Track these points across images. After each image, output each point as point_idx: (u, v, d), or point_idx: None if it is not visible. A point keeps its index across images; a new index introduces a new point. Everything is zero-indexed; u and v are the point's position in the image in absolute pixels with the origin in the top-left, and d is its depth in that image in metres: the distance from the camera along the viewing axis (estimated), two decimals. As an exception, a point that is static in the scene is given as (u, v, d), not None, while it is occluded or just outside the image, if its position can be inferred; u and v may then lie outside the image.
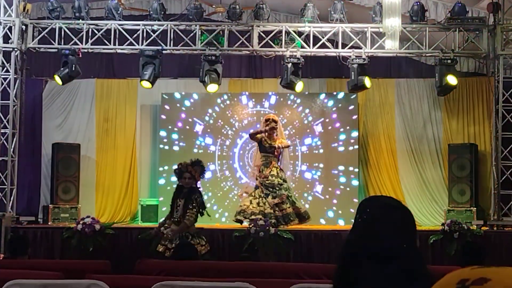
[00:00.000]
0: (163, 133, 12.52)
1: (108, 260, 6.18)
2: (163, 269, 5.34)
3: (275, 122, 11.00)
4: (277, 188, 10.70)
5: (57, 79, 11.12)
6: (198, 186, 8.65)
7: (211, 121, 12.50)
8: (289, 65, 10.96)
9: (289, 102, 12.47)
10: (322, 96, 12.54)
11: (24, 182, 12.19)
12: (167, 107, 12.56)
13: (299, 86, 11.06)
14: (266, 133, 10.87)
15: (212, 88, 11.08)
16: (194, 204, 8.22)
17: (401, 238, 2.21)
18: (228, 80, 12.51)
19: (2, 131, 11.01)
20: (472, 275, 1.07)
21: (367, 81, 10.90)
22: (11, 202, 11.13)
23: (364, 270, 2.14)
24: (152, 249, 8.54)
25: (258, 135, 10.94)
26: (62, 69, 11.06)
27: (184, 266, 5.48)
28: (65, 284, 3.92)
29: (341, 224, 11.74)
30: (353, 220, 2.36)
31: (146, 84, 11.08)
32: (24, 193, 12.35)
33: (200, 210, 8.29)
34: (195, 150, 12.30)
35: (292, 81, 10.96)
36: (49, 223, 11.34)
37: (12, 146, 11.24)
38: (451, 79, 10.73)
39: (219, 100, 12.54)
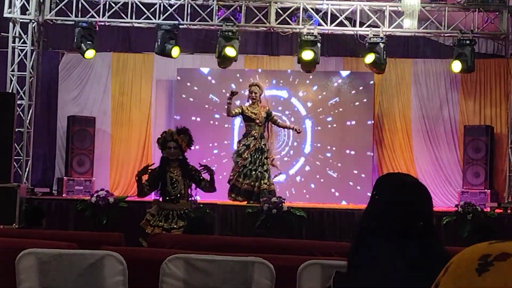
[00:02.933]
0: (178, 108, 12.51)
1: (121, 233, 6.21)
2: (176, 243, 5.36)
3: (258, 87, 10.74)
4: (256, 166, 10.50)
5: (90, 52, 11.08)
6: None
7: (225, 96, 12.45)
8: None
9: (304, 79, 12.40)
10: (338, 74, 12.47)
11: (39, 154, 12.26)
12: (182, 82, 12.54)
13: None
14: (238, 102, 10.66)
15: (226, 64, 11.04)
16: (200, 172, 7.41)
17: (417, 215, 2.21)
18: (244, 56, 12.46)
19: (18, 102, 11.06)
20: (493, 250, 1.06)
21: (368, 58, 10.80)
22: (26, 173, 11.22)
23: (380, 247, 2.13)
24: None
25: (232, 111, 10.56)
26: (83, 40, 11.03)
27: (197, 240, 5.49)
28: (80, 254, 3.94)
29: (354, 203, 11.73)
30: (369, 197, 2.36)
31: (175, 52, 10.98)
32: (39, 164, 12.43)
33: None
34: (211, 126, 12.30)
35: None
36: (63, 195, 11.42)
37: (28, 118, 11.29)
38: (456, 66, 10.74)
39: (235, 76, 12.50)
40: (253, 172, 10.52)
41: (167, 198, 7.37)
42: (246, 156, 10.53)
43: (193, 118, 12.39)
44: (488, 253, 1.06)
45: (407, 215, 2.18)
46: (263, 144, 10.66)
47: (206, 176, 7.47)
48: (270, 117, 10.77)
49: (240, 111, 10.66)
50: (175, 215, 7.36)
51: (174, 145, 7.32)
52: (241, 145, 10.68)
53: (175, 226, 7.32)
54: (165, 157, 7.41)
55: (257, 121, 10.57)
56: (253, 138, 10.58)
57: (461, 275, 1.06)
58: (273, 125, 10.94)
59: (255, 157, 10.56)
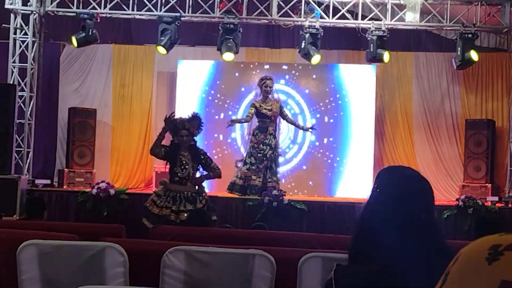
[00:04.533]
0: (179, 101, 12.50)
1: (122, 225, 6.22)
2: (177, 235, 5.37)
3: (272, 80, 10.60)
4: (264, 159, 10.42)
5: (74, 40, 11.08)
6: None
7: (228, 90, 12.45)
8: (307, 35, 10.85)
9: (305, 72, 12.38)
10: (340, 67, 12.45)
11: (40, 146, 12.26)
12: (183, 74, 12.53)
13: (316, 58, 10.92)
14: (261, 96, 10.46)
15: (228, 56, 11.01)
16: (208, 156, 7.79)
17: (419, 208, 2.20)
18: (245, 49, 12.43)
19: (19, 94, 11.05)
20: (503, 240, 1.06)
21: (386, 56, 10.78)
22: (27, 164, 11.22)
23: (381, 240, 2.13)
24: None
25: (249, 114, 10.42)
26: (80, 32, 11.04)
27: (198, 232, 5.50)
28: (81, 246, 3.95)
29: (354, 196, 11.72)
30: (369, 191, 2.35)
31: (161, 50, 11.02)
32: (40, 156, 12.43)
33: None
34: (211, 119, 12.28)
35: (309, 52, 10.86)
36: (64, 187, 11.43)
37: (29, 109, 11.29)
38: (474, 55, 10.62)
39: (236, 69, 12.49)
40: (265, 169, 10.42)
41: (176, 179, 7.57)
42: (261, 156, 10.42)
43: (193, 110, 12.36)
44: (499, 243, 1.06)
45: (408, 208, 2.18)
46: (275, 141, 10.61)
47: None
48: (281, 112, 10.65)
49: (254, 110, 10.48)
50: (183, 197, 7.53)
51: (186, 134, 7.54)
52: (261, 144, 10.43)
53: (183, 208, 7.45)
54: (176, 143, 7.61)
55: (272, 117, 10.51)
56: (272, 136, 10.50)
57: (470, 264, 1.06)
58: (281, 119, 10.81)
59: (268, 153, 10.47)
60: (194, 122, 7.65)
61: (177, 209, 7.46)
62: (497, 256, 1.03)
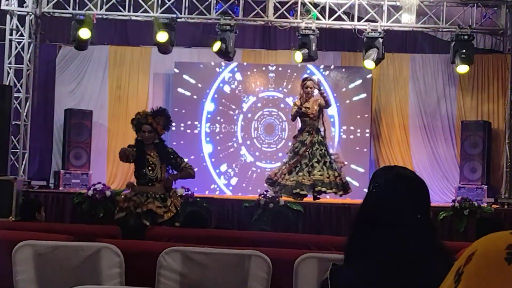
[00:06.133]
0: (175, 102, 12.50)
1: (118, 226, 6.21)
2: (173, 236, 5.37)
3: (313, 81, 10.55)
4: (295, 156, 10.44)
5: (83, 32, 10.97)
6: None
7: (224, 91, 12.46)
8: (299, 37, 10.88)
9: (302, 74, 12.39)
10: (336, 69, 12.46)
11: (36, 147, 12.24)
12: (180, 76, 12.52)
13: (297, 56, 10.92)
14: (303, 98, 10.48)
15: (225, 58, 11.02)
16: (178, 155, 6.98)
17: (414, 208, 2.20)
18: (241, 50, 12.44)
19: (15, 95, 11.03)
20: None
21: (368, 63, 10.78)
22: (23, 166, 11.20)
23: (376, 240, 2.13)
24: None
25: (292, 116, 10.58)
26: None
27: (194, 233, 5.50)
28: (76, 246, 3.94)
29: (351, 198, 11.71)
30: (365, 192, 2.36)
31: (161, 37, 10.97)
32: (36, 157, 12.41)
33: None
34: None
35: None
36: (60, 188, 11.40)
37: (25, 111, 11.27)
38: (461, 68, 10.72)
39: (232, 70, 12.49)
40: (316, 165, 10.39)
41: (144, 181, 6.89)
42: (303, 153, 10.40)
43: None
44: None
45: (403, 208, 2.18)
46: (320, 138, 10.57)
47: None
48: (322, 109, 10.55)
49: (297, 109, 10.50)
50: (152, 197, 6.82)
51: (148, 129, 6.79)
52: (297, 141, 10.50)
53: (151, 201, 6.78)
54: (140, 140, 6.88)
55: (311, 115, 10.51)
56: (308, 133, 10.51)
57: (489, 264, 1.05)
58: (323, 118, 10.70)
59: (314, 150, 10.44)
60: (160, 118, 6.86)
61: (145, 201, 6.78)
62: None
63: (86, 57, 12.66)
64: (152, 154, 6.88)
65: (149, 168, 6.84)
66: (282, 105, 12.37)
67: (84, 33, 10.79)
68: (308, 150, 10.40)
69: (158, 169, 6.85)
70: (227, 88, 12.47)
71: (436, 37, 12.31)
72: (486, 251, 1.07)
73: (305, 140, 10.44)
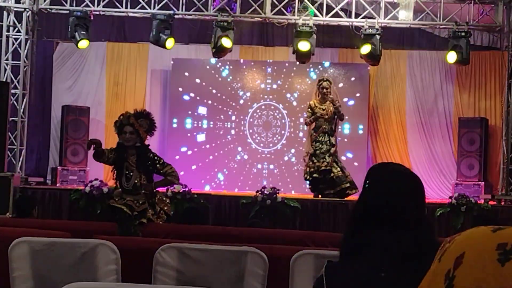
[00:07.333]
0: (172, 98, 12.49)
1: (115, 222, 6.21)
2: (170, 233, 5.37)
3: (329, 82, 10.54)
4: (320, 156, 10.41)
5: (83, 43, 10.97)
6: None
7: (222, 87, 12.45)
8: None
9: (299, 71, 12.39)
10: (333, 65, 12.46)
11: (33, 144, 12.23)
12: (177, 72, 12.52)
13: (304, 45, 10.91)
14: (319, 97, 10.47)
15: (221, 55, 11.01)
16: (160, 159, 6.50)
17: (410, 204, 2.21)
18: (239, 47, 12.43)
19: (12, 91, 11.02)
20: (505, 237, 1.05)
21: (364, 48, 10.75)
22: (20, 162, 11.19)
23: (372, 236, 2.13)
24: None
25: (307, 118, 10.55)
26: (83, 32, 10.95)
27: (191, 230, 5.50)
28: (73, 243, 3.94)
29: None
30: (361, 187, 2.36)
31: (169, 44, 10.92)
32: (33, 154, 12.41)
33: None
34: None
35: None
36: (57, 185, 11.40)
37: (22, 107, 11.26)
38: (451, 57, 10.73)
39: (229, 67, 12.49)
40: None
41: (124, 188, 6.52)
42: (334, 153, 10.44)
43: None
44: (504, 242, 1.06)
45: (399, 204, 2.19)
46: (333, 140, 10.54)
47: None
48: (337, 112, 10.48)
49: (311, 111, 10.46)
50: (140, 202, 6.50)
51: (130, 130, 6.40)
52: (316, 143, 10.43)
53: (138, 204, 6.48)
54: (121, 143, 6.50)
55: (326, 116, 10.48)
56: (325, 134, 10.47)
57: (483, 266, 1.05)
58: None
59: (325, 149, 10.45)
60: (143, 121, 6.49)
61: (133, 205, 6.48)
62: (509, 255, 1.03)
63: (83, 54, 12.64)
64: (131, 161, 6.48)
65: (126, 176, 6.46)
66: (279, 102, 12.38)
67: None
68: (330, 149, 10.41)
69: (135, 177, 6.42)
70: (224, 85, 12.46)
71: (433, 33, 12.32)
72: (478, 253, 1.07)
73: (323, 140, 10.43)
